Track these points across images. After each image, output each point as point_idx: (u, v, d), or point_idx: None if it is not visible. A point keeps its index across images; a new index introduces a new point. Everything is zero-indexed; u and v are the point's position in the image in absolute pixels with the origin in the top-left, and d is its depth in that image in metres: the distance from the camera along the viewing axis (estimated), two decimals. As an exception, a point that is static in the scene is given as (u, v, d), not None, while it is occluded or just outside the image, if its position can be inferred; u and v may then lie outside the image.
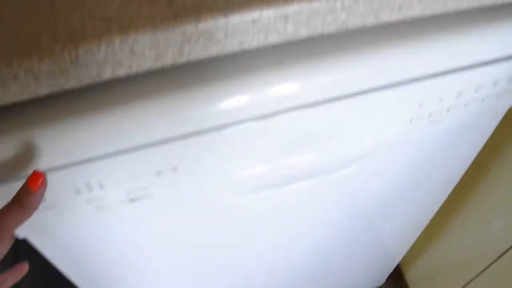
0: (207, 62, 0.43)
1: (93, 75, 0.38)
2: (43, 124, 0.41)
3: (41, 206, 0.43)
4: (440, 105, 0.56)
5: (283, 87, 0.45)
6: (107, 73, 0.37)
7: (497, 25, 0.50)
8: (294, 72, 0.44)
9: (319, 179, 0.58)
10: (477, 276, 0.95)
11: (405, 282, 1.28)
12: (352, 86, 0.48)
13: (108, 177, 0.44)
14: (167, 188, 0.47)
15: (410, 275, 1.27)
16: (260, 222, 0.66)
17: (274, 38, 0.40)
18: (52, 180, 0.43)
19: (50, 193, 0.44)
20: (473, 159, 0.75)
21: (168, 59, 0.38)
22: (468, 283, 0.99)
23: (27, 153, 0.41)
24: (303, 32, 0.40)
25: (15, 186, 0.41)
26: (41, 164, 0.42)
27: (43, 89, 0.38)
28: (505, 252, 0.84)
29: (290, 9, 0.38)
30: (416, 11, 0.43)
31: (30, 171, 0.41)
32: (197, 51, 0.38)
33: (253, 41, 0.39)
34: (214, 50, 0.38)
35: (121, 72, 0.37)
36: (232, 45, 0.39)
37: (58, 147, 0.41)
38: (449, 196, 0.88)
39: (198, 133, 0.44)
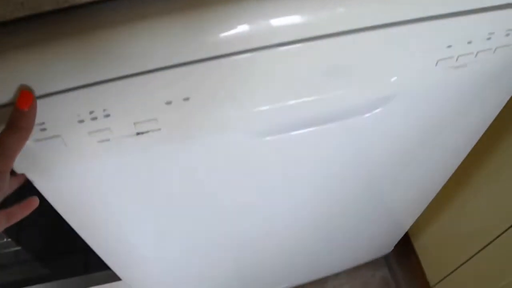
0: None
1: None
2: (43, 43, 0.38)
3: (43, 135, 0.41)
4: (468, 48, 0.52)
5: (304, 14, 0.41)
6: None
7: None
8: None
9: (336, 124, 0.55)
10: (488, 244, 0.93)
11: (413, 250, 1.26)
12: (379, 18, 0.45)
13: (114, 104, 0.41)
14: (177, 120, 0.44)
15: (419, 244, 1.25)
16: (270, 174, 0.63)
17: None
18: (54, 106, 0.40)
19: (52, 120, 0.41)
20: (494, 117, 0.72)
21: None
22: (479, 251, 0.97)
23: (26, 76, 0.38)
24: None
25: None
26: (43, 88, 0.39)
27: (46, 5, 0.35)
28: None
29: None
30: None
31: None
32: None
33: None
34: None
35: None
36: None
37: (60, 69, 0.38)
38: (463, 162, 0.86)
39: (213, 59, 0.41)
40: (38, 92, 0.39)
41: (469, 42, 0.52)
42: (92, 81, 0.39)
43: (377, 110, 0.55)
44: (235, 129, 0.49)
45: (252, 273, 1.11)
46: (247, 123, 0.49)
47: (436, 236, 1.17)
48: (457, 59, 0.53)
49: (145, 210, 0.60)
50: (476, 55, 0.54)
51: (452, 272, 1.09)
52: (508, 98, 0.67)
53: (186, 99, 0.42)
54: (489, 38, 0.52)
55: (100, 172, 0.49)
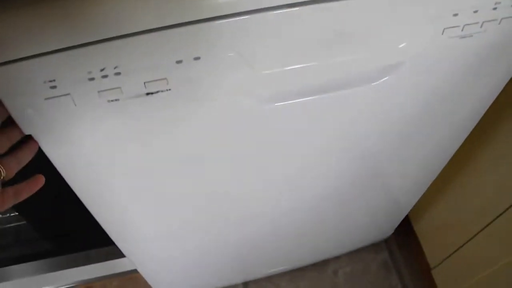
0: None
1: None
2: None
3: (53, 93, 0.41)
4: (474, 18, 0.53)
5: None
6: None
7: None
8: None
9: (343, 92, 0.55)
10: (487, 225, 0.94)
11: (414, 233, 1.27)
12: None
13: (126, 62, 0.41)
14: (186, 80, 0.44)
15: (419, 227, 1.26)
16: (275, 144, 0.64)
17: None
18: (65, 61, 0.40)
19: (62, 77, 0.41)
20: (498, 93, 0.72)
21: None
22: (478, 232, 0.97)
23: (39, 30, 0.38)
24: None
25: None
26: (52, 42, 0.39)
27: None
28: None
29: None
30: None
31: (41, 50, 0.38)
32: None
33: None
34: None
35: None
36: None
37: (71, 24, 0.38)
38: (463, 143, 0.86)
39: (223, 18, 0.41)
40: (49, 47, 0.39)
41: (475, 11, 0.52)
42: (104, 37, 0.39)
43: (385, 79, 0.56)
44: (244, 92, 0.50)
45: (252, 255, 1.12)
46: (256, 86, 0.49)
47: (436, 219, 1.17)
48: (463, 29, 0.53)
49: (150, 177, 0.60)
50: (482, 25, 0.54)
51: (452, 253, 1.09)
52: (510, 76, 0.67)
53: (197, 58, 0.43)
54: (495, 8, 0.53)
55: (108, 134, 0.49)
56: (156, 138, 0.53)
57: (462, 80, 0.63)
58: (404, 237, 1.33)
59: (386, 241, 1.40)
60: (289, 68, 0.48)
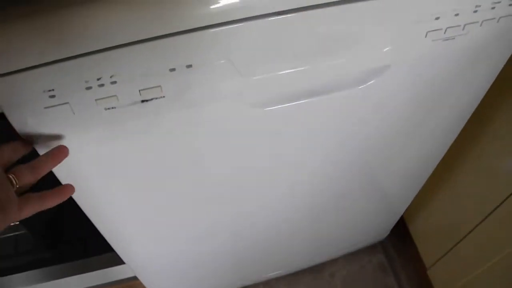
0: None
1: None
2: (51, 12, 0.40)
3: (51, 102, 0.43)
4: (456, 20, 0.55)
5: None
6: None
7: None
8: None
9: (332, 95, 0.57)
10: (480, 223, 0.96)
11: (409, 234, 1.28)
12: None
13: (121, 71, 0.43)
14: (180, 87, 0.46)
15: (414, 227, 1.27)
16: (266, 149, 0.65)
17: None
18: (64, 72, 0.42)
19: (61, 87, 0.43)
20: (484, 93, 0.74)
21: None
22: (471, 230, 0.99)
23: (37, 42, 0.40)
24: None
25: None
26: (51, 54, 0.41)
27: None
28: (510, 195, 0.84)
29: None
30: None
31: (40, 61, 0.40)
32: None
33: None
34: None
35: None
36: None
37: (68, 36, 0.40)
38: (454, 142, 0.88)
39: (215, 27, 0.43)
40: (48, 58, 0.41)
41: (456, 15, 0.54)
42: (100, 47, 0.41)
43: (371, 82, 0.57)
44: (236, 98, 0.51)
45: (250, 260, 1.13)
46: (246, 92, 0.51)
47: (430, 219, 1.19)
48: (445, 31, 0.55)
49: (147, 183, 0.62)
50: (464, 27, 0.56)
51: (447, 253, 1.11)
52: (497, 72, 0.69)
53: (189, 66, 0.45)
54: (475, 11, 0.54)
55: (105, 140, 0.51)
56: (151, 144, 0.54)
57: (447, 81, 0.65)
58: (400, 239, 1.35)
59: (382, 243, 1.41)
60: (278, 73, 0.50)
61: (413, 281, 1.31)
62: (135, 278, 1.00)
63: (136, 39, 0.42)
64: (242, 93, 0.51)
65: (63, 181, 0.56)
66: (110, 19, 0.40)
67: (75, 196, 0.60)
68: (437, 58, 0.59)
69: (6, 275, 0.93)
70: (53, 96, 0.43)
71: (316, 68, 0.52)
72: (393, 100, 0.63)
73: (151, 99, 0.47)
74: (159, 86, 0.45)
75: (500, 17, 0.57)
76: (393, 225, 1.30)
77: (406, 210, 1.21)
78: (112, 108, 0.46)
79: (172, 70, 0.44)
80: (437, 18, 0.53)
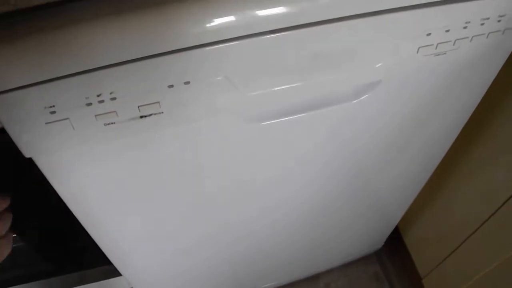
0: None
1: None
2: (53, 31, 0.41)
3: (52, 118, 0.44)
4: (446, 36, 0.56)
5: (292, 3, 0.45)
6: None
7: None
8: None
9: (326, 110, 0.58)
10: (474, 232, 0.97)
11: (403, 244, 1.29)
12: (362, 7, 0.48)
13: (121, 88, 0.44)
14: (178, 103, 0.47)
15: (409, 237, 1.28)
16: (262, 162, 0.66)
17: None
18: (64, 88, 0.43)
19: (62, 103, 0.44)
20: (476, 104, 0.76)
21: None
22: (466, 239, 1.00)
23: (40, 59, 0.41)
24: None
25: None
26: (53, 71, 0.42)
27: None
28: (504, 203, 0.85)
29: None
30: None
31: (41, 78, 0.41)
32: None
33: None
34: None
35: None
36: None
37: (69, 53, 0.41)
38: (448, 152, 0.89)
39: (210, 45, 0.44)
40: (49, 75, 0.42)
41: (447, 31, 0.55)
42: (100, 65, 0.42)
43: (365, 96, 0.59)
44: (233, 113, 0.52)
45: (245, 271, 1.13)
46: (243, 107, 0.52)
47: (425, 229, 1.20)
48: (436, 47, 0.57)
49: (145, 195, 0.63)
50: (454, 43, 0.57)
51: (441, 263, 1.12)
52: (488, 85, 0.71)
53: (187, 82, 0.46)
54: (465, 27, 0.56)
55: (104, 154, 0.52)
56: (149, 158, 0.55)
57: (440, 94, 0.66)
58: (394, 249, 1.35)
59: (377, 253, 1.42)
60: (273, 89, 0.51)
61: (409, 290, 1.32)
62: (132, 289, 1.00)
63: (135, 57, 0.43)
64: (239, 108, 0.52)
65: (62, 195, 0.56)
66: (110, 38, 0.41)
67: (73, 210, 0.60)
68: (429, 72, 0.61)
69: (3, 287, 0.93)
70: (53, 112, 0.44)
71: (310, 84, 0.53)
72: (386, 113, 0.65)
73: (150, 115, 0.48)
74: (158, 102, 0.46)
75: (489, 33, 0.58)
76: (387, 236, 1.31)
77: (401, 220, 1.22)
78: (112, 123, 0.47)
79: (170, 86, 0.45)
80: (428, 34, 0.55)
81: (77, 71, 0.42)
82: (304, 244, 1.09)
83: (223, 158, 0.61)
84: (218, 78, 0.47)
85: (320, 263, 1.32)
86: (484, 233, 0.94)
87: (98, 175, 0.55)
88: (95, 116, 0.46)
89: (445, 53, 0.58)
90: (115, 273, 0.91)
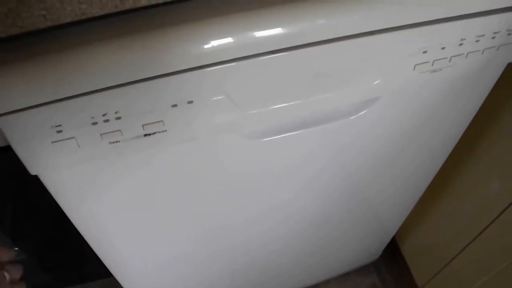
0: None
1: (116, 4, 0.39)
2: (62, 53, 0.42)
3: (58, 137, 0.45)
4: (442, 53, 0.57)
5: (290, 24, 0.46)
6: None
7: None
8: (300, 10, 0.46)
9: (325, 126, 0.60)
10: (471, 242, 0.97)
11: (401, 254, 1.30)
12: (357, 27, 0.50)
13: (126, 107, 0.45)
14: (181, 122, 0.48)
15: (406, 247, 1.29)
16: (264, 176, 0.67)
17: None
18: (71, 108, 0.44)
19: (68, 122, 0.45)
20: (472, 117, 0.77)
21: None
22: (463, 249, 1.01)
23: (49, 81, 0.42)
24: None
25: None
26: (60, 91, 0.43)
27: (66, 16, 0.40)
28: (501, 213, 0.86)
29: None
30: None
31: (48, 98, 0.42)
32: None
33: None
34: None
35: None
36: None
37: (76, 74, 0.42)
38: (444, 163, 0.90)
39: (212, 65, 0.45)
40: (56, 96, 0.43)
41: (443, 48, 0.57)
42: (105, 85, 0.43)
43: (363, 112, 0.60)
44: (234, 130, 0.54)
45: (243, 282, 1.14)
46: (244, 124, 0.53)
47: (422, 239, 1.21)
48: (433, 64, 0.58)
49: (148, 211, 0.63)
50: (450, 60, 0.59)
51: (438, 273, 1.12)
52: (483, 99, 0.72)
53: (190, 102, 0.47)
54: (461, 44, 0.57)
55: (108, 171, 0.53)
56: (153, 175, 0.56)
57: (436, 109, 0.67)
58: (392, 259, 1.36)
59: (374, 263, 1.43)
60: (273, 107, 0.52)
61: (406, 300, 1.33)
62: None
63: (140, 78, 0.44)
64: (240, 126, 0.53)
65: (66, 211, 0.57)
66: (115, 59, 0.42)
67: (76, 224, 0.61)
68: (426, 88, 0.62)
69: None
70: (60, 131, 0.45)
71: (310, 101, 0.54)
72: (384, 128, 0.66)
73: (154, 133, 0.49)
74: (161, 120, 0.47)
75: (484, 49, 0.59)
76: (385, 246, 1.32)
77: (398, 230, 1.23)
78: (116, 142, 0.48)
79: (174, 106, 0.47)
80: (424, 52, 0.56)
81: (83, 91, 0.43)
82: (301, 254, 1.10)
83: (225, 173, 0.62)
84: (220, 97, 0.48)
85: (318, 274, 1.32)
86: (481, 243, 0.95)
87: (101, 191, 0.56)
88: (101, 135, 0.47)
89: (441, 70, 0.59)
90: (116, 285, 0.91)
